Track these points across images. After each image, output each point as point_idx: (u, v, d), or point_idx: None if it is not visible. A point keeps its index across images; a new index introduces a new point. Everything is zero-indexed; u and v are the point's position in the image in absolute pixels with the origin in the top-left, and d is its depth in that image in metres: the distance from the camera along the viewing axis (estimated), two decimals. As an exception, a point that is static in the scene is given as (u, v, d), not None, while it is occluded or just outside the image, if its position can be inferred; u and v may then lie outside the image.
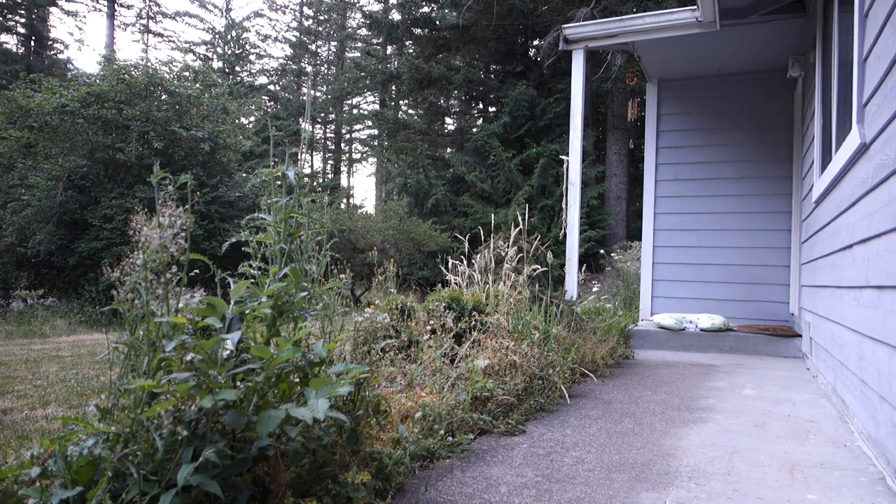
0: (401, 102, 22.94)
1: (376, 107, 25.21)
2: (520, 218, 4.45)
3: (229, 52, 25.48)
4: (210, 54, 26.12)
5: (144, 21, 27.05)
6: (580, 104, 4.70)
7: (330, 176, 28.07)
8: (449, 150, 16.53)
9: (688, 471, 1.94)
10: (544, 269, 3.91)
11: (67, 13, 24.41)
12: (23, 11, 22.76)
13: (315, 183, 24.18)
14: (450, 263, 4.40)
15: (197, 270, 1.51)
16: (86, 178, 8.95)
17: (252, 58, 26.66)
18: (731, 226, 5.37)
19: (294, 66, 27.81)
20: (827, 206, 3.30)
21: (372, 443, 1.77)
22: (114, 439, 1.26)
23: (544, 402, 2.74)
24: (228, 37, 25.51)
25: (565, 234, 4.81)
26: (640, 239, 6.13)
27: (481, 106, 17.48)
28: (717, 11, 4.09)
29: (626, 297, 7.13)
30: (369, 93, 26.09)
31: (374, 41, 21.76)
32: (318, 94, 28.06)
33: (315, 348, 1.56)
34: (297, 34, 28.29)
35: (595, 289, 7.45)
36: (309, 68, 28.46)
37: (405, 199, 14.70)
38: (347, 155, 29.73)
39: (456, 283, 4.16)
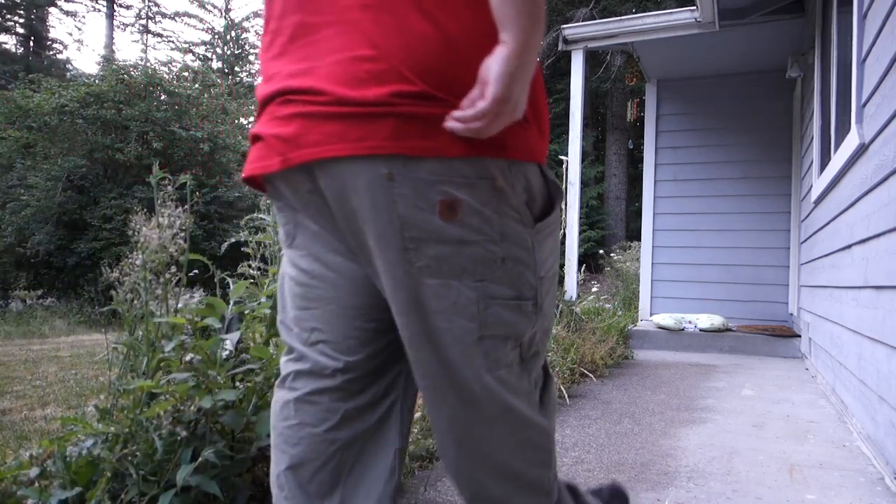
0: (400, 103, 22.93)
1: (376, 107, 25.18)
2: (519, 218, 4.43)
3: (229, 52, 25.48)
4: (209, 54, 26.12)
5: (144, 21, 27.06)
6: (580, 104, 4.71)
7: (329, 176, 28.05)
8: (448, 150, 16.52)
9: (687, 471, 1.94)
10: (543, 269, 3.90)
11: (66, 13, 24.44)
12: (22, 11, 22.76)
13: (314, 183, 24.16)
14: (449, 264, 4.39)
15: (196, 271, 1.51)
16: (85, 178, 8.95)
17: (251, 58, 26.65)
18: (730, 226, 5.38)
19: (293, 67, 27.81)
20: (826, 206, 3.30)
21: (371, 443, 1.77)
22: (113, 440, 1.26)
23: (544, 402, 2.74)
24: (228, 37, 25.51)
25: (564, 235, 4.81)
26: (639, 239, 6.14)
27: (481, 106, 17.47)
28: (717, 12, 4.09)
29: (626, 298, 7.13)
30: (369, 93, 26.07)
31: (374, 41, 21.75)
32: (317, 94, 28.05)
33: (314, 349, 1.56)
34: (297, 34, 28.27)
35: (594, 289, 7.46)
36: (308, 68, 28.45)
37: (404, 199, 14.68)
38: (347, 155, 29.71)
39: (455, 284, 4.15)
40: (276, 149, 0.83)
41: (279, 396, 0.96)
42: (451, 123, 0.75)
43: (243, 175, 0.92)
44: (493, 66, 0.74)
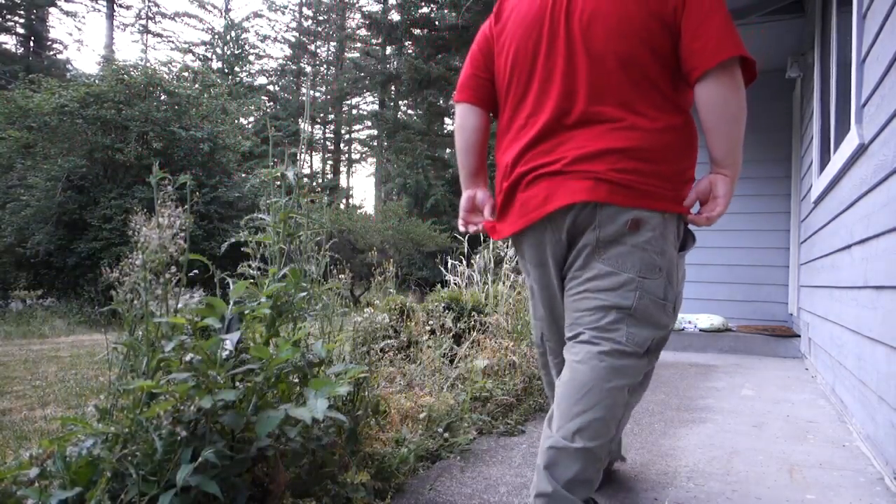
0: (400, 103, 22.95)
1: (375, 107, 25.21)
2: (519, 218, 4.43)
3: (228, 52, 25.47)
4: (209, 55, 26.11)
5: (143, 21, 27.06)
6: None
7: (329, 176, 28.06)
8: (448, 150, 16.53)
9: (686, 471, 1.94)
10: (543, 269, 3.90)
11: (66, 13, 24.43)
12: (22, 12, 22.76)
13: (314, 183, 24.19)
14: (449, 264, 4.40)
15: (196, 271, 1.51)
16: (85, 178, 8.94)
17: (251, 58, 26.65)
18: (730, 226, 5.37)
19: (293, 67, 27.81)
20: (826, 206, 3.30)
21: (371, 443, 1.77)
22: (113, 440, 1.26)
23: (543, 402, 2.74)
24: (228, 37, 25.50)
25: (564, 235, 4.80)
26: (639, 239, 6.15)
27: (480, 106, 17.44)
28: (716, 12, 4.09)
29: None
30: (368, 93, 26.10)
31: (374, 41, 21.76)
32: (317, 94, 28.07)
33: (314, 348, 1.56)
34: (297, 34, 28.29)
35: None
36: (308, 68, 28.46)
37: (404, 199, 14.71)
38: (347, 155, 29.73)
39: (455, 284, 4.16)
40: (548, 198, 1.35)
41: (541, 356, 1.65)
42: (692, 218, 1.39)
43: (525, 224, 1.41)
44: (721, 186, 1.33)
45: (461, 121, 1.58)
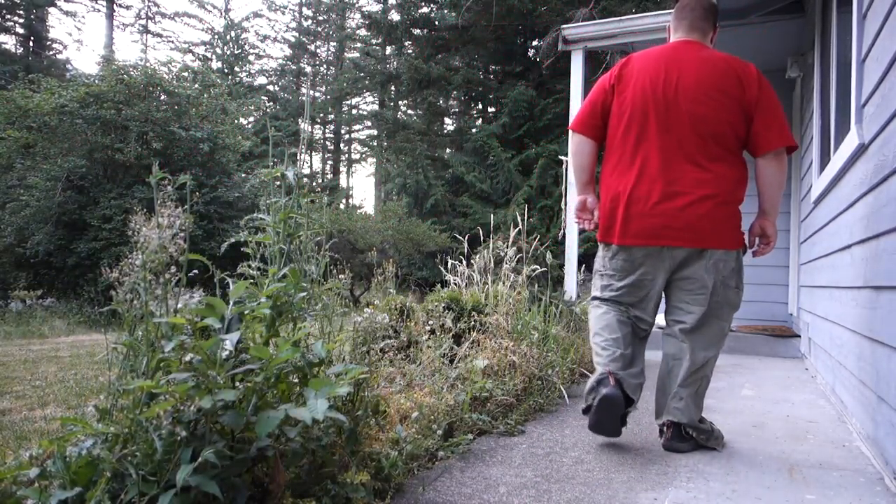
0: (400, 103, 22.92)
1: (375, 107, 25.19)
2: (519, 218, 4.44)
3: (228, 52, 25.46)
4: (209, 55, 26.09)
5: (143, 21, 27.04)
6: (579, 104, 4.70)
7: (329, 176, 28.05)
8: (448, 150, 16.52)
9: (686, 471, 1.94)
10: (543, 269, 3.91)
11: (66, 13, 24.40)
12: (21, 12, 22.76)
13: (314, 183, 24.19)
14: (449, 264, 4.40)
15: (196, 271, 1.51)
16: (84, 178, 8.94)
17: (251, 58, 26.64)
18: (729, 226, 5.36)
19: (293, 67, 27.80)
20: (826, 206, 3.30)
21: (371, 443, 1.77)
22: (113, 440, 1.26)
23: (543, 402, 2.74)
24: (227, 37, 25.49)
25: (564, 235, 4.81)
26: (639, 239, 6.14)
27: (480, 106, 17.47)
28: (716, 12, 4.08)
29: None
30: (368, 93, 26.07)
31: (374, 41, 21.73)
32: (317, 94, 28.05)
33: (314, 349, 1.56)
34: (297, 34, 28.27)
35: (594, 289, 7.42)
36: (308, 68, 28.44)
37: (404, 199, 14.72)
38: (346, 155, 29.70)
39: (455, 284, 4.16)
40: (659, 236, 2.06)
41: (605, 312, 2.24)
42: (757, 250, 2.19)
43: (639, 243, 2.10)
44: (769, 227, 2.13)
45: (579, 147, 2.20)
